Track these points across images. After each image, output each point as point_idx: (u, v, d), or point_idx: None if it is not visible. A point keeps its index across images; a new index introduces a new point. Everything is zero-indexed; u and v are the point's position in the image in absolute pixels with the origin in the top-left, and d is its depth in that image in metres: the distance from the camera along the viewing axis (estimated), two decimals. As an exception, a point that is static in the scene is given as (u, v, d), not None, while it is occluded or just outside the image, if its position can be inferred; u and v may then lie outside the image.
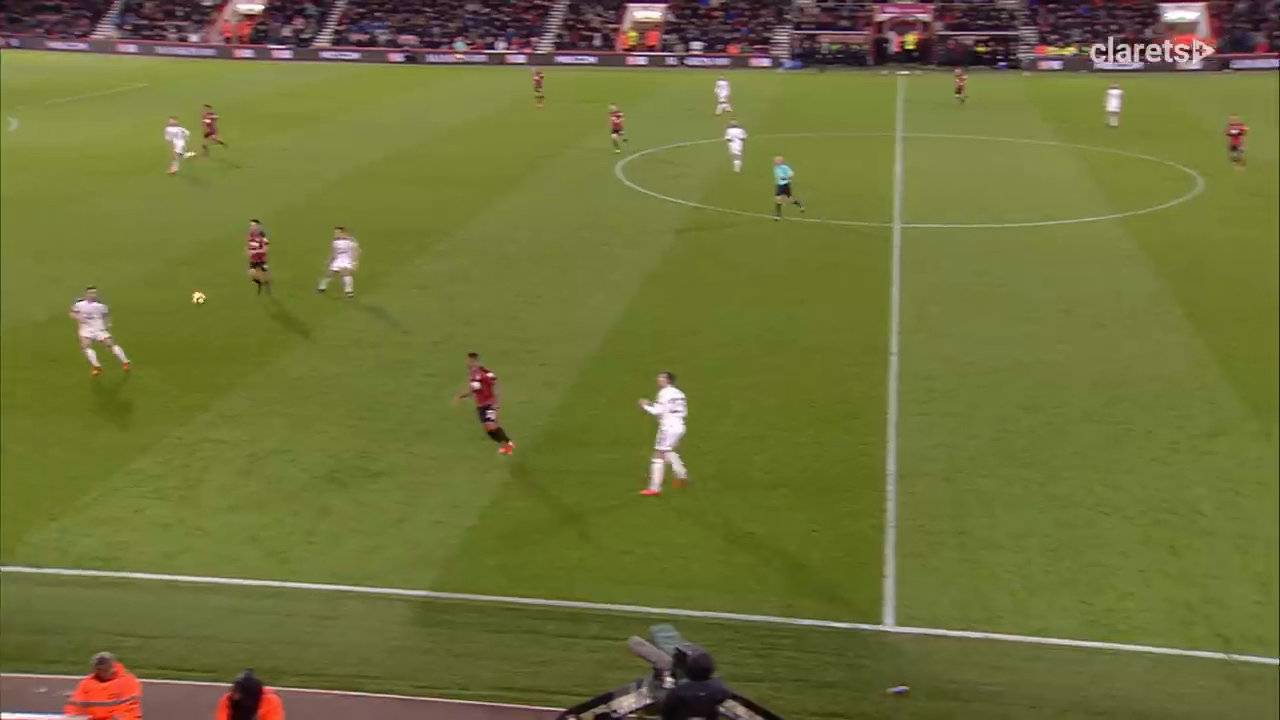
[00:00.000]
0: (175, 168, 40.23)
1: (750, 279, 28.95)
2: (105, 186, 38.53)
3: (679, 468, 17.51)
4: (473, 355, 19.02)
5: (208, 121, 43.12)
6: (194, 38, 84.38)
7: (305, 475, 18.07)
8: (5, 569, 15.23)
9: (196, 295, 24.35)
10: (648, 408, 17.38)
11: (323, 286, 26.81)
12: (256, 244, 26.69)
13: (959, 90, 59.74)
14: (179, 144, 40.63)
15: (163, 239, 31.91)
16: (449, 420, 20.13)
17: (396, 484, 17.84)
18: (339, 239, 26.90)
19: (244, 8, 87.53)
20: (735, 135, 40.51)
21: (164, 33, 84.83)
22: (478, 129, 52.10)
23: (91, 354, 21.90)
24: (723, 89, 55.53)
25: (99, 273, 28.27)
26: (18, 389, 21.26)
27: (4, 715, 10.98)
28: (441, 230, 33.25)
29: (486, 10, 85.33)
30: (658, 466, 17.34)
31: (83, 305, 21.96)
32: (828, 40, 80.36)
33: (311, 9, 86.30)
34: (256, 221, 27.33)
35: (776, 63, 78.49)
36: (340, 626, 14.26)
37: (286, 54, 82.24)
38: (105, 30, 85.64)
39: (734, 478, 18.18)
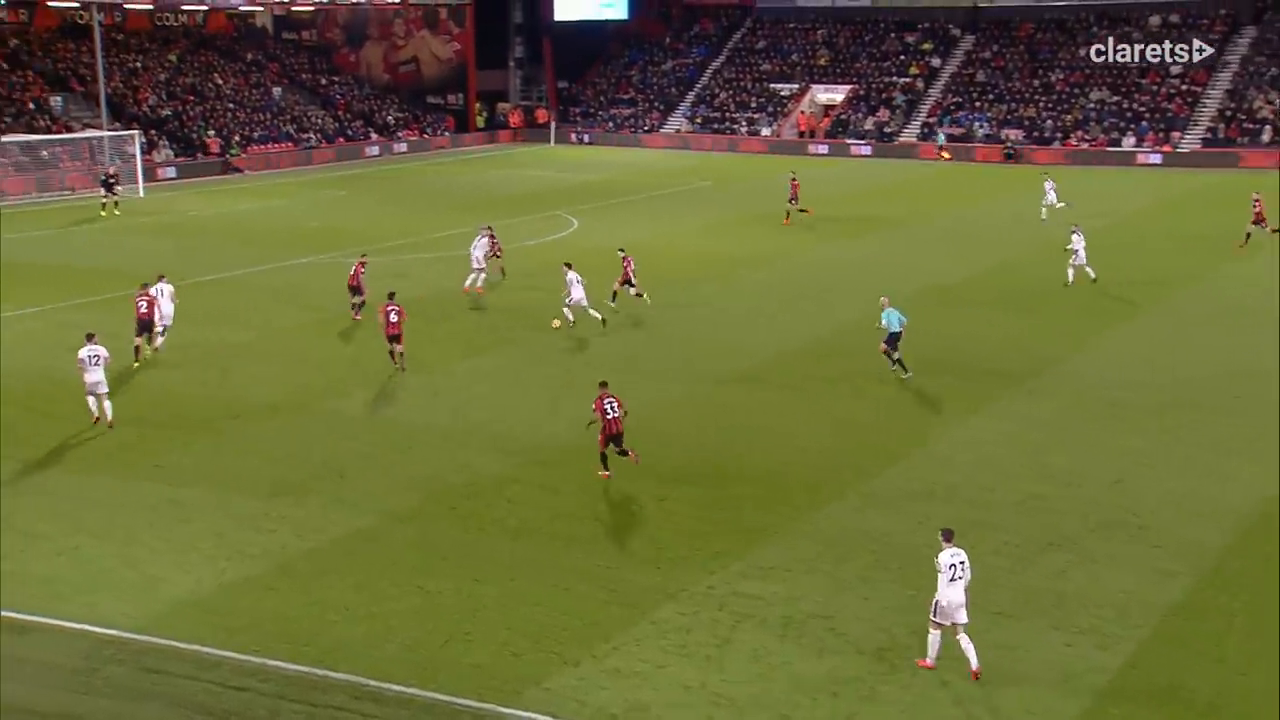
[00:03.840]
0: (480, 285, 41.31)
1: None
2: (654, 293, 41.93)
3: (971, 653, 17.25)
4: (603, 384, 25.01)
5: (493, 241, 43.29)
6: (765, 131, 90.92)
7: (849, 648, 18.23)
8: (522, 713, 16.70)
9: (555, 322, 32.13)
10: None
11: None
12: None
13: (1258, 219, 48.24)
14: (478, 254, 41.40)
15: (696, 354, 34.23)
16: (1031, 601, 19.54)
17: (961, 674, 17.46)
18: None
19: (824, 98, 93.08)
20: (1078, 243, 42.07)
21: (735, 126, 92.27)
22: (1089, 242, 50.97)
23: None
24: (1050, 191, 55.59)
25: (644, 388, 30.83)
26: (553, 513, 23.49)
27: None
28: (1032, 366, 32.76)
29: (1115, 99, 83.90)
30: (933, 637, 17.50)
31: None
32: None
33: (900, 98, 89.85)
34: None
35: None
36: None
37: (866, 150, 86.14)
38: (676, 123, 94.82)
39: None
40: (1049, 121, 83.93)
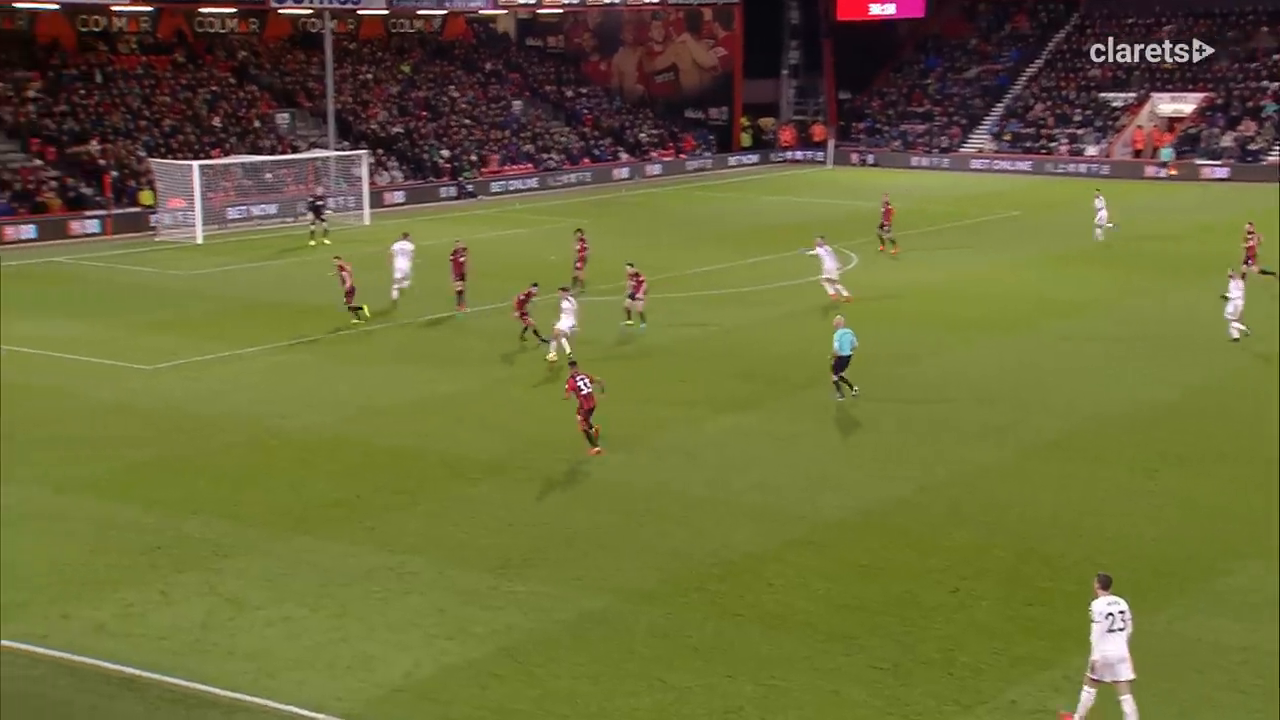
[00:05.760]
0: (843, 293, 46.81)
1: None
2: (947, 342, 41.78)
3: (1130, 711, 18.00)
4: (573, 364, 30.82)
5: (635, 281, 43.53)
6: (1091, 150, 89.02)
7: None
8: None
9: (550, 355, 37.36)
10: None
11: None
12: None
13: (1250, 256, 48.78)
14: (830, 264, 47.26)
15: (999, 415, 33.89)
16: None
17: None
18: None
19: (1168, 109, 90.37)
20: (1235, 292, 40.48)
21: (1053, 143, 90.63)
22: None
23: None
24: (1101, 209, 59.68)
25: (935, 455, 30.59)
26: (820, 600, 23.48)
27: None
28: None
29: None
30: (1087, 695, 18.31)
31: None
32: None
33: (1270, 108, 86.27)
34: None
35: None
36: None
37: (1221, 172, 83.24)
38: (979, 141, 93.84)
39: None
40: None
